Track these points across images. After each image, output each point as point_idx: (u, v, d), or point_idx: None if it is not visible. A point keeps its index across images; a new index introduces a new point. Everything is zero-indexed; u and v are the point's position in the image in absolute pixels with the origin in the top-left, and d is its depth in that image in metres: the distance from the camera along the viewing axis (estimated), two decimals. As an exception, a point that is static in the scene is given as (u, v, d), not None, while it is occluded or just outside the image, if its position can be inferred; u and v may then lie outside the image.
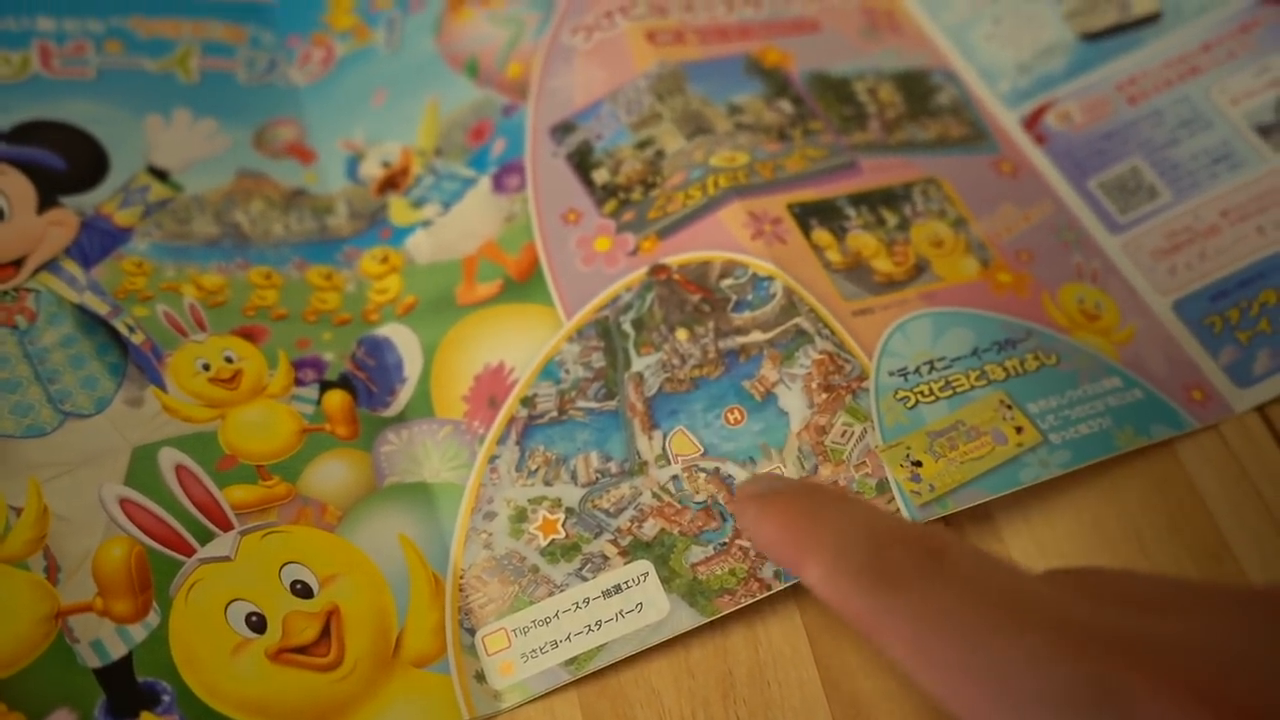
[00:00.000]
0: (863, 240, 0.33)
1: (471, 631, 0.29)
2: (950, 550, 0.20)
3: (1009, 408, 0.30)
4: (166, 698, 0.26)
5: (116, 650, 0.26)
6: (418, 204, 0.37)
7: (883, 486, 0.28)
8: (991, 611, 0.18)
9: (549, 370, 0.32)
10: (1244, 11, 0.37)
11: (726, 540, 0.29)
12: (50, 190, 0.35)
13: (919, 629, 0.18)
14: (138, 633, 0.27)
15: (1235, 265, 0.33)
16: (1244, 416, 0.31)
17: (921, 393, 0.30)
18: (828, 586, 0.20)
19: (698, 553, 0.29)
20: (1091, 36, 0.38)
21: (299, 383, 0.33)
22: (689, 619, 0.28)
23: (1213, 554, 0.29)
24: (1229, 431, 0.31)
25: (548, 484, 0.30)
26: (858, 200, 0.34)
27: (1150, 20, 0.38)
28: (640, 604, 0.28)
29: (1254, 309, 0.32)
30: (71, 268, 0.33)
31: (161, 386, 0.32)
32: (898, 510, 0.28)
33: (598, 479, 0.30)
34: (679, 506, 0.29)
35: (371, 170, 0.38)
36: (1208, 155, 0.35)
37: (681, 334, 0.32)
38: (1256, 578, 0.28)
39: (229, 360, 0.33)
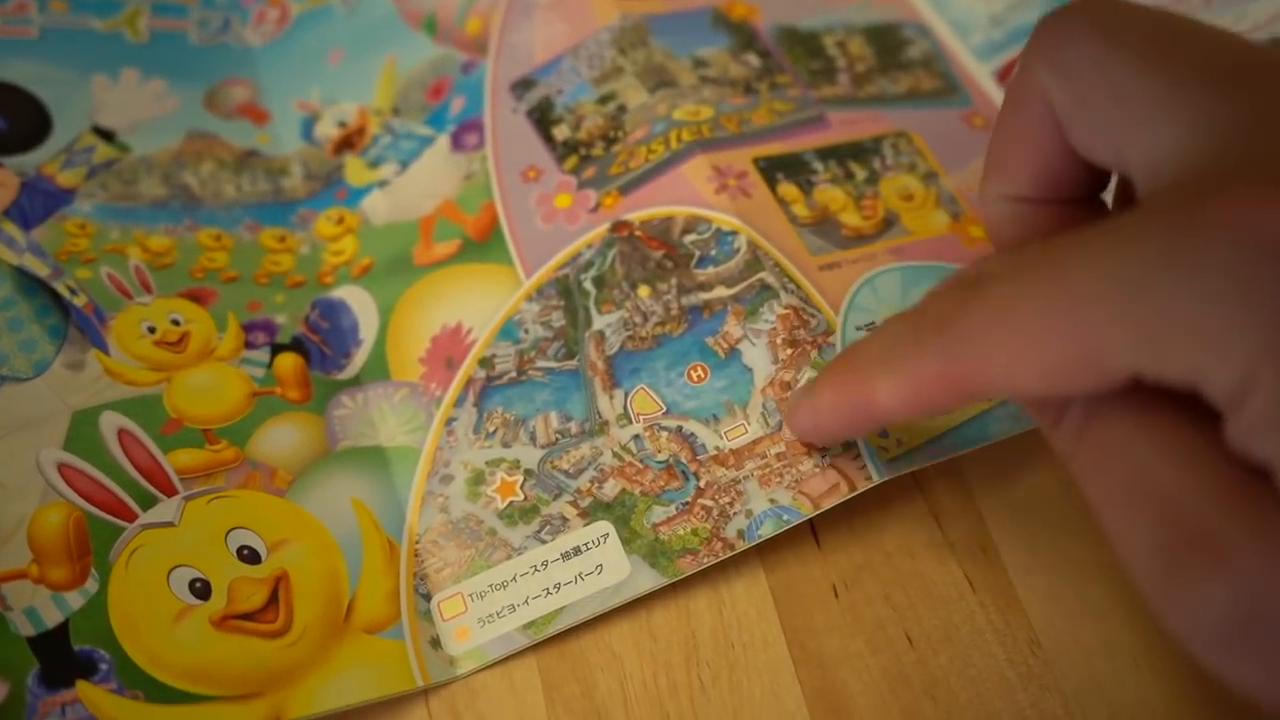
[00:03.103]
0: (830, 194, 0.32)
1: (427, 597, 0.28)
2: (982, 269, 0.18)
3: (979, 361, 0.29)
4: (104, 666, 0.25)
5: (51, 618, 0.25)
6: (374, 164, 0.36)
7: (849, 443, 0.27)
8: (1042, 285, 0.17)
9: (508, 330, 0.31)
10: (1220, -40, 0.36)
11: (689, 500, 0.28)
12: (-11, 150, 0.34)
13: (986, 342, 0.18)
14: (74, 600, 0.26)
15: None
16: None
17: (890, 347, 0.29)
18: (900, 384, 0.20)
19: (659, 513, 0.28)
20: (1065, -12, 0.37)
21: (249, 345, 0.32)
22: (650, 580, 0.27)
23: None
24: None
25: (506, 445, 0.29)
26: (825, 154, 0.33)
27: (1125, -30, 0.37)
28: (600, 566, 0.27)
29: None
30: (10, 229, 0.32)
31: (104, 349, 0.30)
32: (864, 466, 0.27)
33: (557, 440, 0.29)
34: (640, 466, 0.28)
35: (327, 131, 0.37)
36: (1183, 106, 0.34)
37: (643, 291, 0.31)
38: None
39: (175, 323, 0.32)
